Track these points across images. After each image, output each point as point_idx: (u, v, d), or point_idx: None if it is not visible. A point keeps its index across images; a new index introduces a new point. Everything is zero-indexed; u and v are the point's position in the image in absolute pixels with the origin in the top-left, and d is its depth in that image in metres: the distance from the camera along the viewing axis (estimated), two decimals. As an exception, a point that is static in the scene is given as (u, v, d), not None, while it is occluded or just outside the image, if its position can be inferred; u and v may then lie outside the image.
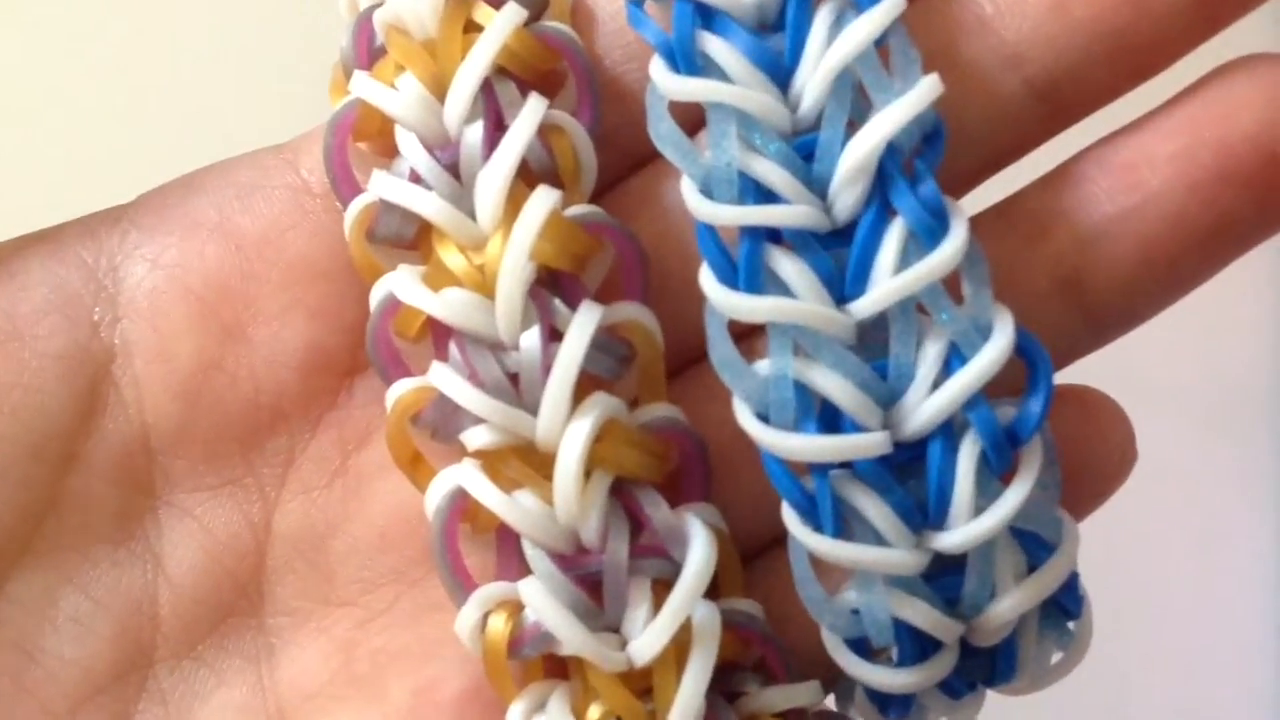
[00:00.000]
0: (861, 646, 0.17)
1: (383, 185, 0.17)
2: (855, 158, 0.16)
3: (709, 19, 0.16)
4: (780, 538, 0.17)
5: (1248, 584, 0.39)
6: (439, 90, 0.17)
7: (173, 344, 0.18)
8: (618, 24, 0.18)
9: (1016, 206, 0.18)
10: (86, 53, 0.35)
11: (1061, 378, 0.17)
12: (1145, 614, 0.38)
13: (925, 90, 0.16)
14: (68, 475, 0.17)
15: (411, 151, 0.17)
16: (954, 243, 0.16)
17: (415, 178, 0.17)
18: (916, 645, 0.17)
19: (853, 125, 0.16)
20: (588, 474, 0.16)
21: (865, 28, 0.16)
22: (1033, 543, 0.17)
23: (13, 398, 0.17)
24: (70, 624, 0.17)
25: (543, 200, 0.16)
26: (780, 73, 0.16)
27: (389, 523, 0.18)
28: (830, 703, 0.18)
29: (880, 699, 0.17)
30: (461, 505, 0.17)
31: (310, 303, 0.18)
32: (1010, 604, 0.16)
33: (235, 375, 0.18)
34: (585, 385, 0.16)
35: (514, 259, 0.16)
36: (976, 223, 0.17)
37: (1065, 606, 0.17)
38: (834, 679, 0.18)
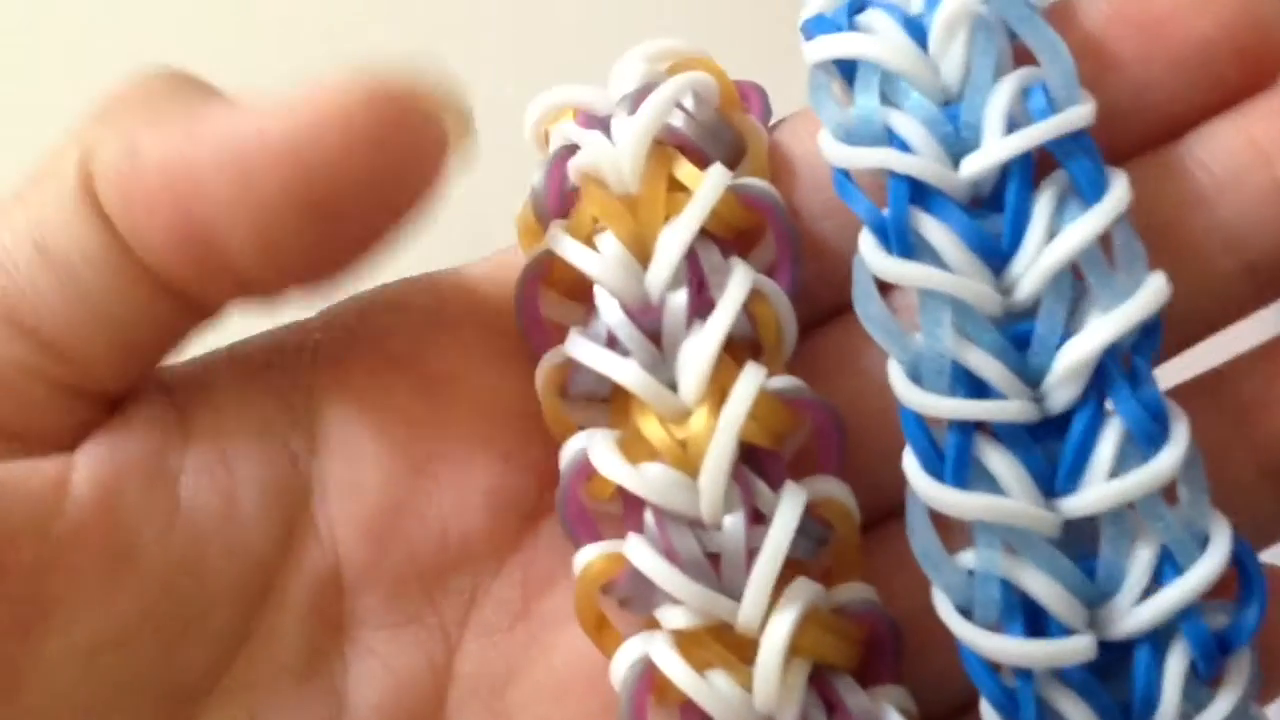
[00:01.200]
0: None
1: (580, 348, 0.17)
2: (1076, 356, 0.15)
3: (924, 196, 0.16)
4: (962, 708, 0.17)
5: None
6: (639, 250, 0.17)
7: (364, 480, 0.17)
8: (817, 176, 0.17)
9: (1225, 385, 0.17)
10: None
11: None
12: None
13: (1155, 294, 0.15)
14: (263, 612, 0.17)
15: (610, 314, 0.16)
16: (1175, 450, 0.15)
17: (612, 340, 0.17)
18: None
19: (1070, 316, 0.16)
20: (787, 662, 0.16)
21: (1092, 223, 0.15)
22: (1231, 742, 0.16)
23: (219, 529, 0.17)
24: None
25: (752, 380, 0.16)
26: (995, 255, 0.16)
27: (570, 673, 0.18)
28: None
29: None
30: (650, 677, 0.16)
31: (498, 443, 0.18)
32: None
33: (423, 515, 0.18)
34: (786, 568, 0.16)
35: (723, 441, 0.16)
36: (1182, 395, 0.17)
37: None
38: None
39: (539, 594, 0.18)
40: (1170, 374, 0.17)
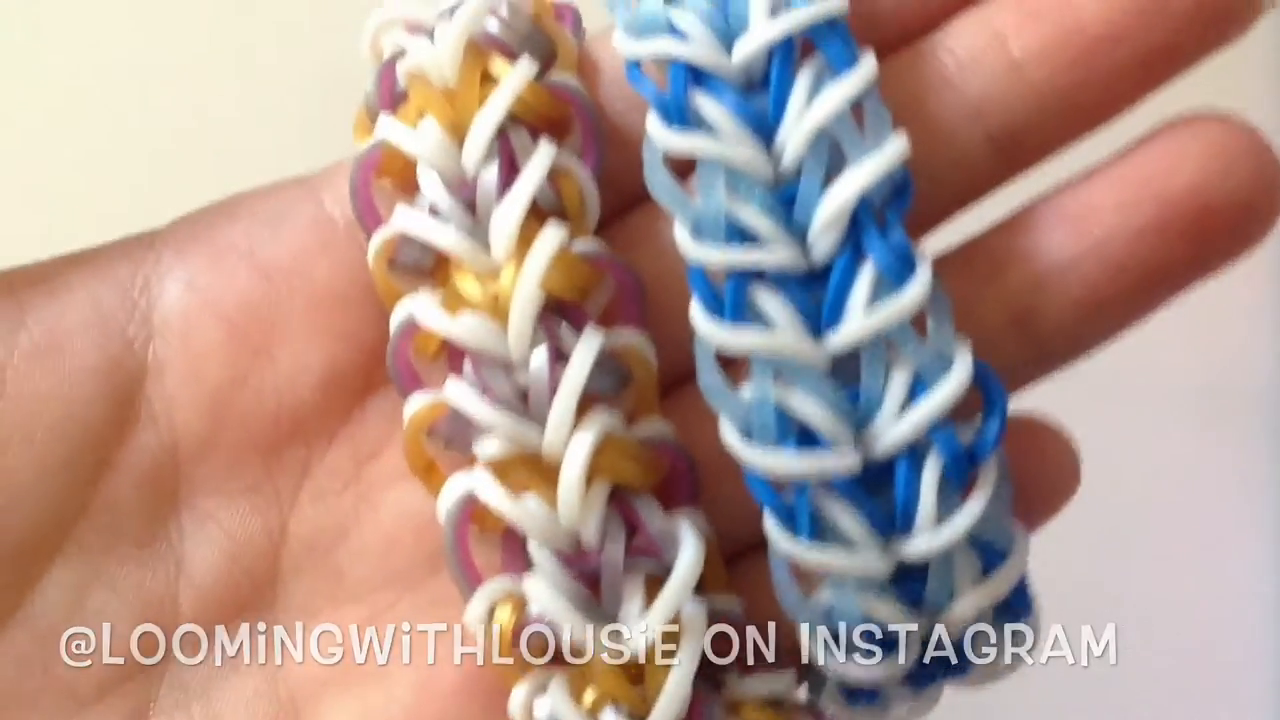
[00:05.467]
0: (834, 643, 0.18)
1: (405, 219, 0.18)
2: (832, 208, 0.18)
3: (701, 79, 0.18)
4: (757, 543, 0.19)
5: (1247, 584, 0.40)
6: (457, 134, 0.19)
7: (203, 361, 0.19)
8: (619, 76, 0.20)
9: (976, 248, 0.19)
10: (118, 86, 0.36)
11: (1017, 401, 0.19)
12: (1145, 613, 0.38)
13: (895, 149, 0.18)
14: (100, 482, 0.19)
15: (432, 189, 0.18)
16: (919, 285, 0.18)
17: (434, 212, 0.18)
18: (882, 642, 0.18)
19: (829, 177, 0.18)
20: (589, 482, 0.18)
21: (842, 91, 0.18)
22: (987, 550, 0.18)
23: (52, 409, 0.18)
24: (97, 617, 0.19)
25: (552, 236, 0.18)
26: (764, 129, 0.18)
27: (396, 529, 0.19)
28: (804, 695, 0.20)
29: (849, 690, 0.19)
30: (471, 508, 0.18)
31: (331, 326, 0.19)
32: (967, 605, 0.18)
33: (260, 391, 0.19)
34: (586, 403, 0.18)
35: (526, 288, 0.18)
36: (940, 262, 0.19)
37: (1016, 607, 0.19)
38: (807, 672, 0.20)
39: (368, 461, 0.20)
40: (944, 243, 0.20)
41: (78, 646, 0.19)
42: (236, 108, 0.36)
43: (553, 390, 0.18)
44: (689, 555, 0.18)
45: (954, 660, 0.19)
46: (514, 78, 0.18)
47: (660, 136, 0.18)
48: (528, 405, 0.18)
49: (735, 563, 0.20)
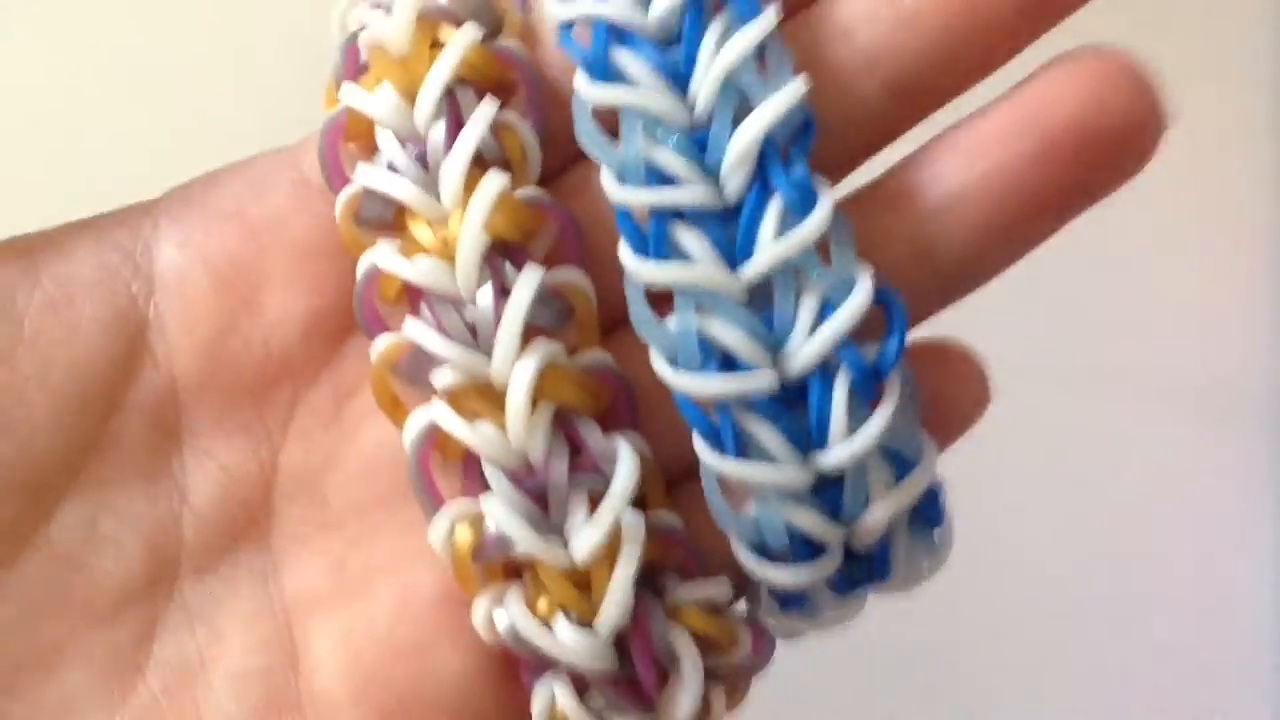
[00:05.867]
0: (762, 552, 0.20)
1: (365, 175, 0.20)
2: (739, 147, 0.19)
3: (621, 36, 0.20)
4: (694, 467, 0.20)
5: (1247, 584, 0.40)
6: (411, 97, 0.21)
7: (197, 312, 0.21)
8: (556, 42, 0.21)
9: (877, 186, 0.21)
10: (112, 70, 0.38)
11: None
12: (1144, 613, 0.40)
13: (794, 88, 0.19)
14: (109, 421, 0.21)
15: (388, 147, 0.20)
16: (821, 213, 0.19)
17: (392, 169, 0.20)
18: (806, 549, 0.20)
19: (738, 120, 0.20)
20: (534, 405, 0.20)
21: (745, 39, 0.19)
22: (899, 460, 0.20)
23: (65, 354, 0.21)
24: (109, 543, 0.21)
25: (493, 181, 0.20)
26: (679, 79, 0.20)
27: (374, 458, 0.21)
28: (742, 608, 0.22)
29: (780, 597, 0.21)
30: (433, 436, 0.20)
31: (311, 277, 0.21)
32: (881, 510, 0.20)
33: (249, 338, 0.21)
34: (531, 335, 0.20)
35: (471, 229, 0.20)
36: (847, 201, 0.20)
37: (928, 514, 0.21)
38: (745, 586, 0.21)
39: (347, 398, 0.22)
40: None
41: (92, 568, 0.21)
42: (231, 103, 0.38)
43: (499, 323, 0.20)
44: (625, 469, 0.20)
45: (873, 567, 0.21)
46: (458, 42, 0.20)
47: (585, 90, 0.20)
48: (478, 338, 0.20)
49: (677, 486, 0.21)
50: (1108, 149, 0.20)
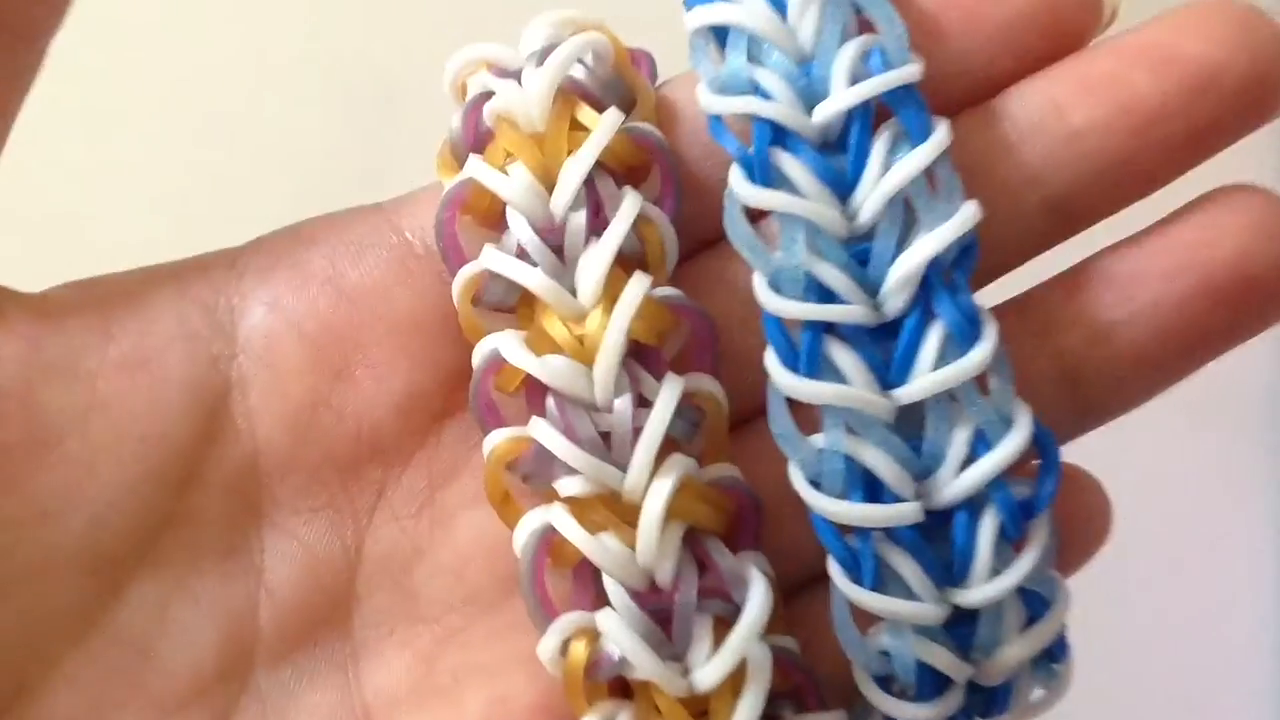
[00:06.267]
0: (885, 682, 0.19)
1: (494, 259, 0.19)
2: (905, 269, 0.18)
3: (782, 137, 0.19)
4: (812, 580, 0.20)
5: (1246, 583, 0.40)
6: (545, 179, 0.19)
7: (286, 380, 0.20)
8: (696, 125, 0.20)
9: (1031, 305, 0.20)
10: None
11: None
12: (1144, 613, 0.39)
13: (967, 216, 0.18)
14: (185, 495, 0.19)
15: (520, 231, 0.19)
16: (986, 346, 0.18)
17: (522, 254, 0.19)
18: (933, 684, 0.19)
19: (902, 237, 0.19)
20: (665, 523, 0.18)
21: (918, 158, 0.18)
22: (1033, 599, 0.19)
23: (140, 422, 0.19)
24: (180, 629, 0.19)
25: (639, 285, 0.19)
26: (841, 187, 0.19)
27: (470, 552, 0.20)
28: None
29: (894, 727, 0.20)
30: (548, 542, 0.19)
31: (411, 352, 0.20)
32: (1014, 652, 0.19)
33: (340, 412, 0.20)
34: (663, 446, 0.19)
35: (615, 334, 0.18)
36: (997, 312, 0.20)
37: (1054, 652, 0.20)
38: (853, 704, 0.20)
39: (443, 484, 0.20)
40: (992, 297, 0.21)
41: (161, 656, 0.19)
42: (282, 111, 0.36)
43: (635, 434, 0.18)
44: (758, 599, 0.19)
45: (993, 701, 0.20)
46: (605, 127, 0.19)
47: (743, 190, 0.19)
48: (609, 447, 0.19)
49: (794, 597, 0.20)
50: (1268, 289, 0.19)
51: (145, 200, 0.36)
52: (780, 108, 0.19)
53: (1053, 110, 0.20)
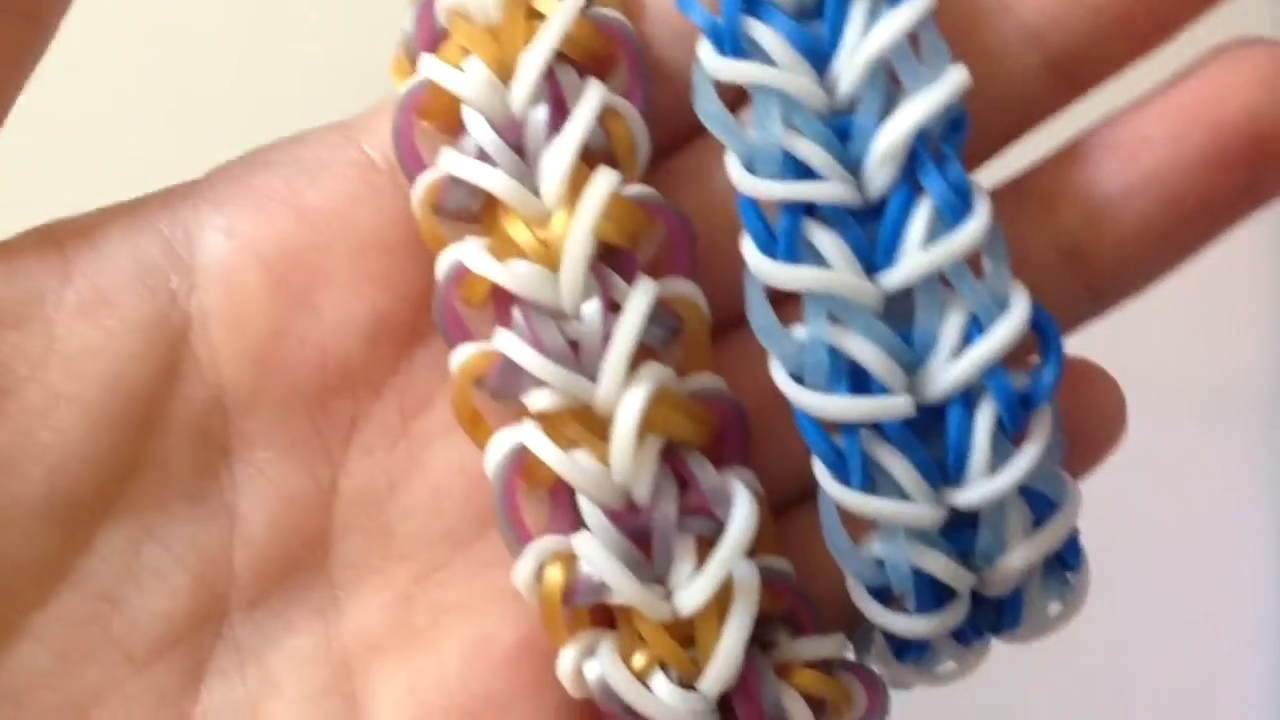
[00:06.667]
0: (882, 595, 0.18)
1: (453, 162, 0.18)
2: (889, 141, 0.17)
3: (754, 5, 0.18)
4: (807, 494, 0.19)
5: (1246, 583, 0.40)
6: (503, 74, 0.18)
7: (246, 311, 0.19)
8: (664, 8, 0.19)
9: (1029, 182, 0.19)
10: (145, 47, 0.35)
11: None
12: (1143, 613, 0.39)
13: (954, 82, 0.17)
14: (149, 437, 0.18)
15: (479, 131, 0.18)
16: (978, 222, 0.17)
17: (482, 155, 0.18)
18: (933, 594, 0.18)
19: (885, 108, 0.17)
20: (641, 437, 0.17)
21: (899, 20, 0.17)
22: (1039, 501, 0.18)
23: (99, 366, 0.18)
24: (151, 576, 0.18)
25: (605, 181, 0.17)
26: (819, 58, 0.18)
27: (446, 484, 0.19)
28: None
29: (896, 644, 0.19)
30: (520, 462, 0.18)
31: (375, 273, 0.19)
32: (1019, 557, 0.18)
33: (304, 341, 0.19)
34: (638, 355, 0.17)
35: (579, 236, 0.17)
36: (992, 195, 0.18)
37: (1066, 560, 0.19)
38: (853, 630, 0.19)
39: (416, 414, 0.19)
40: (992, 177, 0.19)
41: (132, 605, 0.18)
42: (268, 58, 0.35)
43: (605, 341, 0.17)
44: (743, 515, 0.17)
45: (1002, 614, 0.19)
46: (562, 14, 0.18)
47: (712, 64, 0.18)
48: (579, 357, 0.18)
49: (784, 512, 0.19)
50: (1278, 152, 0.18)
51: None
52: (749, -29, 0.18)
53: None
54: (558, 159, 0.18)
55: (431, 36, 0.19)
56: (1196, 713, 0.40)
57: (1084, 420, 0.19)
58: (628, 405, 0.17)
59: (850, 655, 0.19)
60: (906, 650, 0.19)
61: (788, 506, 0.19)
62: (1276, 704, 0.40)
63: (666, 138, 0.19)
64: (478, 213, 0.19)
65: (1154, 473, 0.38)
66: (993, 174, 0.19)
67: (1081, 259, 0.19)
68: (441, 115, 0.19)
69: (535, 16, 0.18)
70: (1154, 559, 0.39)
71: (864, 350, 0.17)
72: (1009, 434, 0.18)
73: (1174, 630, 0.40)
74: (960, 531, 0.18)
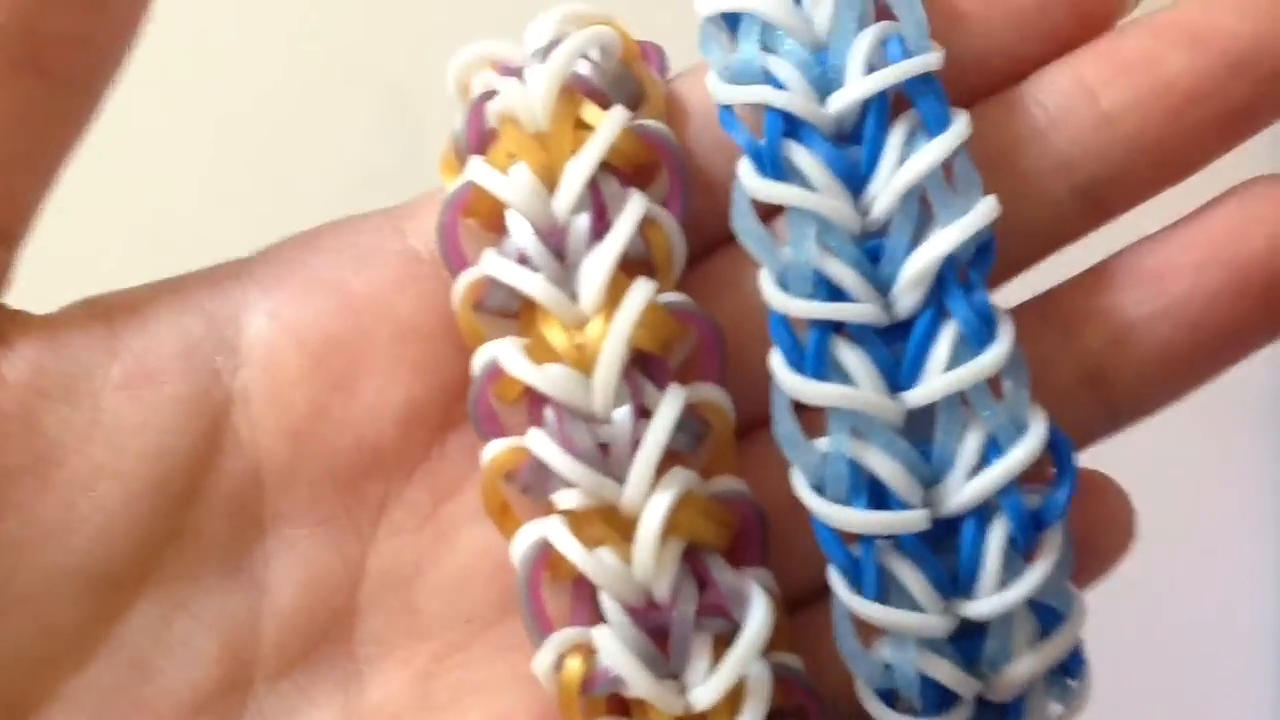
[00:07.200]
0: (889, 697, 0.19)
1: (494, 264, 0.19)
2: (918, 267, 0.18)
3: (795, 128, 0.18)
4: (818, 593, 0.19)
5: (1247, 584, 0.40)
6: (548, 180, 0.19)
7: (286, 392, 0.19)
8: (707, 119, 0.20)
9: (1054, 303, 0.20)
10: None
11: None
12: (1143, 613, 0.38)
13: (984, 212, 0.18)
14: (187, 510, 0.19)
15: (521, 234, 0.19)
16: (1000, 348, 0.18)
17: (523, 259, 0.19)
18: (938, 699, 0.18)
19: (917, 233, 0.18)
20: (664, 539, 0.18)
21: (935, 151, 0.18)
22: (1046, 613, 0.19)
23: (141, 439, 0.19)
24: (181, 646, 0.19)
25: (642, 291, 0.18)
26: (855, 181, 0.18)
27: (472, 567, 0.20)
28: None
29: (900, 744, 0.20)
30: (545, 555, 0.18)
31: (413, 360, 0.20)
32: (1024, 667, 0.18)
33: (341, 423, 0.19)
34: (665, 459, 0.18)
35: (615, 344, 0.18)
36: (1016, 314, 0.19)
37: (1068, 667, 0.19)
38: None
39: (446, 498, 0.20)
40: (1019, 295, 0.20)
41: (162, 674, 0.19)
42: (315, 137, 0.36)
43: (634, 446, 0.18)
44: (758, 618, 0.18)
45: (1005, 717, 0.19)
46: (608, 126, 0.19)
47: (752, 183, 0.18)
48: (608, 459, 0.18)
49: (796, 611, 0.20)
50: None
51: (153, 209, 0.36)
52: (793, 97, 0.18)
53: (1082, 93, 0.19)
54: (597, 268, 0.18)
55: (480, 137, 0.20)
56: (1197, 713, 0.40)
57: (1094, 532, 0.19)
58: (653, 509, 0.18)
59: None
60: (909, 748, 0.20)
61: (803, 603, 0.20)
62: (1277, 704, 0.40)
63: (704, 242, 0.20)
64: (516, 311, 0.19)
65: (1154, 473, 0.37)
66: (1019, 291, 0.20)
67: (1103, 380, 0.19)
68: (486, 215, 0.19)
69: (582, 126, 0.19)
70: (1154, 559, 0.38)
71: (884, 466, 0.18)
72: (1020, 550, 0.18)
73: (1174, 630, 0.40)
74: (968, 640, 0.18)
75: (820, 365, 0.18)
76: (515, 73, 0.19)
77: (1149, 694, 0.39)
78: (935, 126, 0.18)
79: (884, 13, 0.19)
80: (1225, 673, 0.40)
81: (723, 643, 0.18)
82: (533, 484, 0.19)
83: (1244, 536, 0.40)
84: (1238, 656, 0.40)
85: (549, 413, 0.18)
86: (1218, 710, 0.40)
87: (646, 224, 0.19)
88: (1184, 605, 0.40)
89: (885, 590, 0.18)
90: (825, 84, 0.18)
